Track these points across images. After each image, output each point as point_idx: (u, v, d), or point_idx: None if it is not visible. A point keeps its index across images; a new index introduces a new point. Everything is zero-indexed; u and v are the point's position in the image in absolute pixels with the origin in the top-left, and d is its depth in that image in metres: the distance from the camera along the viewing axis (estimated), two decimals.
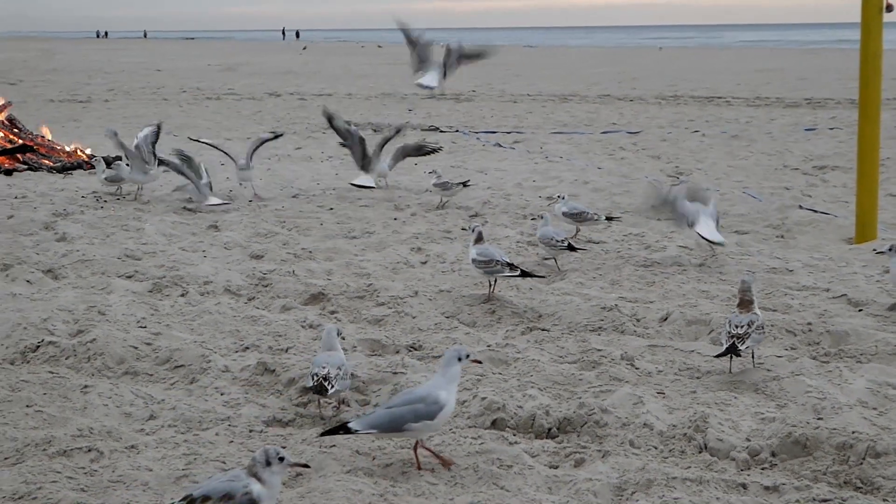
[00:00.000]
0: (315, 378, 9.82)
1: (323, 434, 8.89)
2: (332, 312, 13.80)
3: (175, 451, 9.06)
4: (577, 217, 17.98)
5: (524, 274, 13.95)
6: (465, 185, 21.66)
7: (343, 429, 8.68)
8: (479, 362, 9.85)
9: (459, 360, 8.89)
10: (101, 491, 8.27)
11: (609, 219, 18.53)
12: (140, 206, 21.01)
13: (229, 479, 7.18)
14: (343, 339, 11.07)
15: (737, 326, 10.90)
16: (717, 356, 10.99)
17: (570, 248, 16.08)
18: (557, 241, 15.93)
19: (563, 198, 18.28)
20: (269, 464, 7.17)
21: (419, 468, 8.84)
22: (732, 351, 10.81)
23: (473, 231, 14.30)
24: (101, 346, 11.64)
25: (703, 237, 16.29)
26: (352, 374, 10.35)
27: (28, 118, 29.40)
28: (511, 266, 13.90)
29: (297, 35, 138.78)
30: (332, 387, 9.85)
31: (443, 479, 8.66)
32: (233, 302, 14.03)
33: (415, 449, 8.94)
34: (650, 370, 11.40)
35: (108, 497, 8.14)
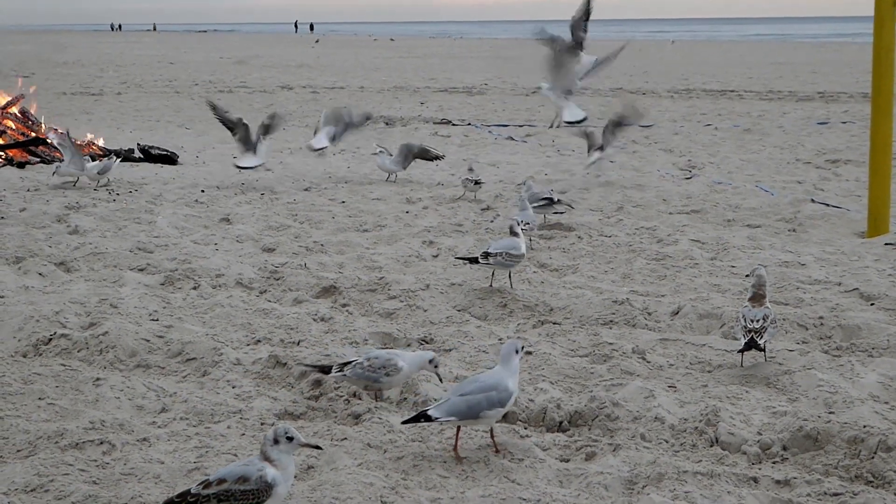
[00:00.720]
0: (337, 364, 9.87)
1: (404, 422, 8.87)
2: (344, 305, 13.81)
3: (187, 444, 9.07)
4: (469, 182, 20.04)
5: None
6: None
7: (424, 417, 8.73)
8: (531, 353, 10.27)
9: (516, 352, 9.00)
10: (113, 483, 8.29)
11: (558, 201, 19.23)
12: (152, 199, 21.03)
13: (244, 464, 7.28)
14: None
15: (752, 321, 10.88)
16: (740, 351, 10.97)
17: (551, 202, 18.49)
18: (534, 226, 16.53)
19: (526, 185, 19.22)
20: (276, 442, 7.25)
21: (497, 451, 8.96)
22: (753, 346, 10.79)
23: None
24: (113, 339, 11.66)
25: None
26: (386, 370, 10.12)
27: (40, 111, 29.43)
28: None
29: (312, 28, 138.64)
30: (341, 372, 9.91)
31: (454, 472, 8.67)
32: (245, 295, 14.05)
33: (492, 434, 9.10)
34: (661, 364, 11.40)
35: (120, 490, 8.15)
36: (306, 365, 10.71)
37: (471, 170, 21.63)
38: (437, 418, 8.71)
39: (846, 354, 11.74)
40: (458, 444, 9.04)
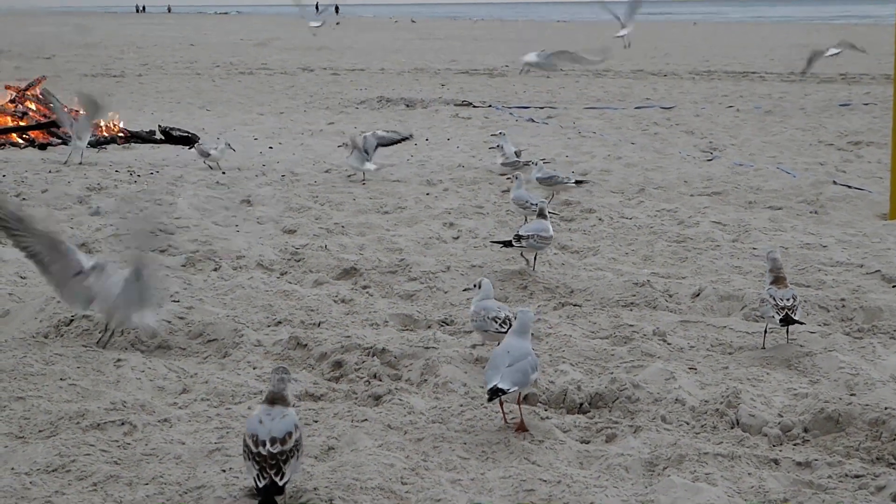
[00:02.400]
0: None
1: (489, 400, 8.87)
2: (365, 287, 13.81)
3: (208, 425, 9.09)
4: (549, 181, 18.95)
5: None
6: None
7: (499, 392, 8.79)
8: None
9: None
10: (135, 464, 8.31)
11: (578, 182, 19.36)
12: (173, 181, 21.05)
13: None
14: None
15: (783, 299, 10.83)
16: (782, 323, 10.79)
17: (578, 182, 18.82)
18: (531, 203, 16.25)
19: (537, 164, 19.32)
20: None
21: (520, 430, 9.10)
22: (790, 321, 10.73)
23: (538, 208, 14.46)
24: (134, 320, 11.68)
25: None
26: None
27: (62, 93, 29.47)
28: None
29: (337, 10, 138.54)
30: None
31: (474, 453, 8.68)
32: (265, 276, 14.05)
33: (519, 403, 9.28)
34: (682, 346, 11.38)
35: (141, 470, 8.18)
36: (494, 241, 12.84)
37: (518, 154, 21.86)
38: (508, 389, 8.79)
39: (868, 336, 11.71)
40: (522, 414, 9.23)
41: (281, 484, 7.35)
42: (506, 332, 10.17)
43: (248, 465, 7.44)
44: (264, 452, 7.36)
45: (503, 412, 9.29)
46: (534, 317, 9.51)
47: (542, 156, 23.96)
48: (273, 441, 7.38)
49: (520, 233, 13.94)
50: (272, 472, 7.35)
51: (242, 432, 7.80)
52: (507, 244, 14.06)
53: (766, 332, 11.17)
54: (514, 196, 16.58)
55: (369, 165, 21.50)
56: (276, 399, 7.62)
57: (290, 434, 7.46)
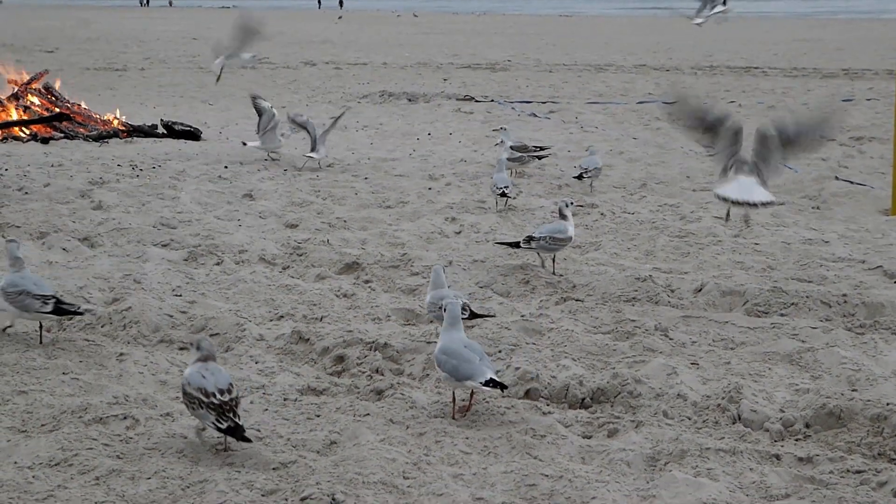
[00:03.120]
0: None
1: (495, 388, 9.15)
2: (367, 282, 13.83)
3: None
4: (518, 160, 20.60)
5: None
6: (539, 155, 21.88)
7: (500, 385, 9.15)
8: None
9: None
10: (137, 458, 8.33)
11: (539, 157, 21.49)
12: (176, 175, 21.06)
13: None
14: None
15: None
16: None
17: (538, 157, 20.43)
18: (499, 187, 17.58)
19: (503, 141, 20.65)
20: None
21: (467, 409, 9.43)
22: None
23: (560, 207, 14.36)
24: (136, 315, 11.71)
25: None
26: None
27: (64, 86, 29.48)
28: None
29: (341, 3, 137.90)
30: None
31: (476, 448, 8.69)
32: (268, 271, 14.07)
33: (471, 395, 9.46)
34: (684, 341, 11.39)
35: (144, 464, 8.19)
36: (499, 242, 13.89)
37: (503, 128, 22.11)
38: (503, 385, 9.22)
39: (869, 332, 11.73)
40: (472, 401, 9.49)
41: (242, 424, 8.39)
42: (467, 318, 10.61)
43: (201, 413, 8.40)
44: (216, 402, 8.35)
45: (471, 402, 9.48)
46: (461, 304, 9.78)
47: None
48: (221, 391, 8.41)
49: (532, 234, 13.88)
50: (231, 416, 8.34)
51: (182, 389, 8.57)
52: (515, 245, 13.98)
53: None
54: (495, 179, 17.98)
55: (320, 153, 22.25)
56: (208, 357, 8.67)
57: (231, 385, 8.53)
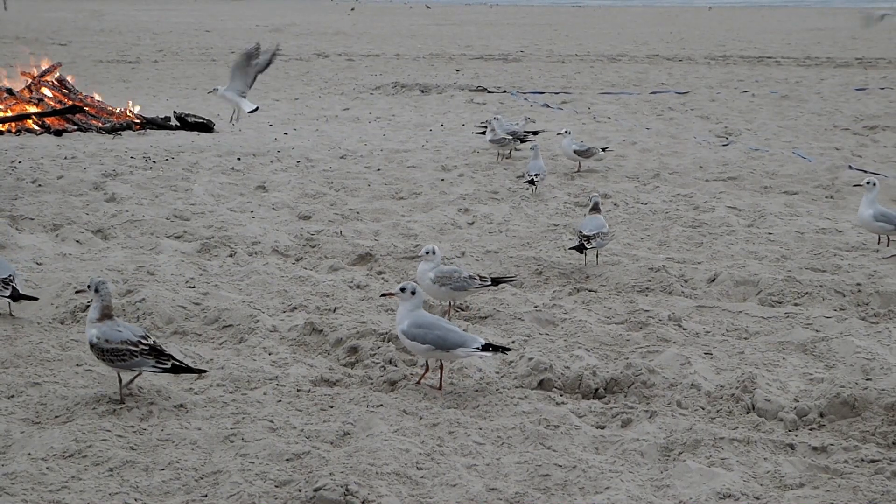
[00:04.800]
0: None
1: (492, 350, 9.56)
2: (380, 273, 13.82)
3: (223, 411, 9.11)
4: (585, 153, 20.84)
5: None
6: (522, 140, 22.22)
7: (502, 349, 9.62)
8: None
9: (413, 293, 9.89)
10: (150, 450, 8.34)
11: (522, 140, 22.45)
12: (189, 167, 21.07)
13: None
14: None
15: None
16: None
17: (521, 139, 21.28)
18: (531, 174, 18.64)
19: (569, 133, 21.12)
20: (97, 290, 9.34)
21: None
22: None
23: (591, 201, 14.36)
24: (150, 306, 11.71)
25: None
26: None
27: (78, 79, 29.51)
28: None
29: None
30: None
31: (489, 438, 8.68)
32: (281, 262, 14.08)
33: (441, 368, 9.86)
34: (698, 331, 11.37)
35: (157, 455, 8.20)
36: (571, 248, 13.88)
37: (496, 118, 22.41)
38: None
39: (884, 321, 11.71)
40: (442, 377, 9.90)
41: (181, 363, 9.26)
42: (489, 285, 11.65)
43: (136, 362, 9.09)
44: (147, 345, 9.14)
45: (426, 372, 9.91)
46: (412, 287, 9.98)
47: (560, 141, 23.99)
48: (144, 337, 9.22)
49: (584, 233, 13.72)
50: (168, 355, 9.19)
51: (100, 347, 9.18)
52: (580, 248, 13.82)
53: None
54: (531, 169, 18.59)
55: (246, 104, 20.27)
56: (109, 315, 9.31)
57: (146, 333, 9.38)
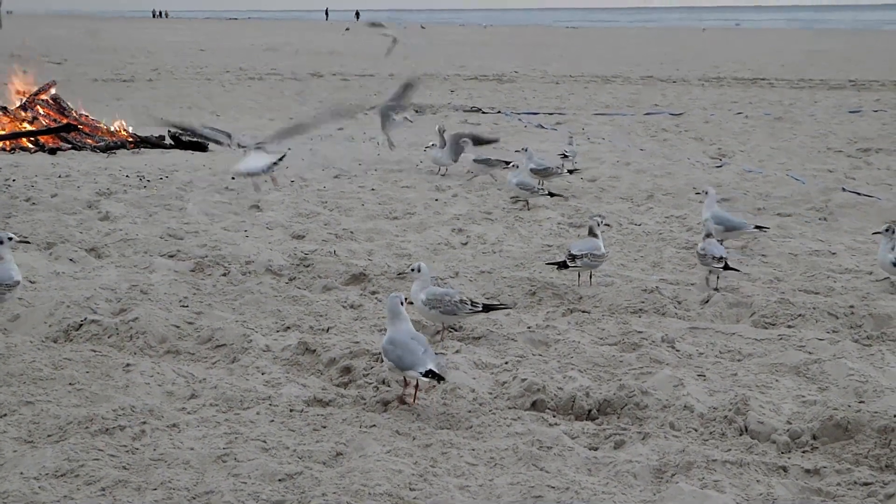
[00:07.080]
0: None
1: (433, 379, 9.52)
2: (373, 293, 13.82)
3: (216, 430, 9.10)
4: (543, 172, 20.52)
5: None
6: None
7: (438, 377, 9.54)
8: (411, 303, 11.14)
9: (401, 304, 10.05)
10: (143, 469, 8.33)
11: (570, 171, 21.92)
12: (183, 186, 21.08)
13: None
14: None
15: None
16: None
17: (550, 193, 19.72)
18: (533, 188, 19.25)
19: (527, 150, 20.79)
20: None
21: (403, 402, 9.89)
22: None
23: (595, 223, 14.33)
24: (143, 325, 11.71)
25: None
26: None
27: (72, 97, 29.50)
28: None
29: (357, 15, 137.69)
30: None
31: (482, 459, 8.68)
32: (274, 282, 14.08)
33: (416, 386, 9.92)
34: (691, 352, 11.37)
35: (150, 475, 8.19)
36: (549, 263, 14.33)
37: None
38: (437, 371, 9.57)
39: (877, 343, 11.70)
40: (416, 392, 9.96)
41: None
42: (479, 311, 11.67)
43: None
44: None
45: (416, 393, 9.90)
46: (403, 298, 10.10)
47: (554, 162, 24.02)
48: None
49: (573, 252, 13.79)
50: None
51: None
52: (562, 265, 13.88)
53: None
54: (518, 182, 18.96)
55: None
56: None
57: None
